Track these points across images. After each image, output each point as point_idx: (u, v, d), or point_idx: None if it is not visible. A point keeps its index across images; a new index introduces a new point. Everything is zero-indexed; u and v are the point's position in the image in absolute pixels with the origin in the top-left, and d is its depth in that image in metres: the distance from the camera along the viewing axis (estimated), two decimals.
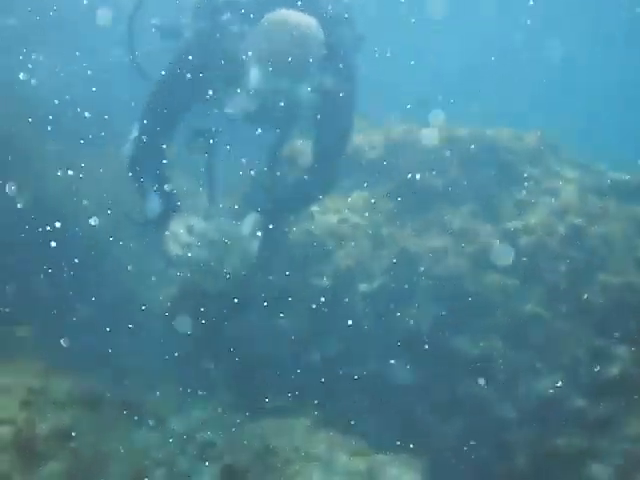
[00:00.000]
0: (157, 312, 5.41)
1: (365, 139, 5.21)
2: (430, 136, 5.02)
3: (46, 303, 5.97)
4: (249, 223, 3.80)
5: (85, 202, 6.77)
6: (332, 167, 4.20)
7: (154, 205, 3.68)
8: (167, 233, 3.56)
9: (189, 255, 3.53)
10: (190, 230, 3.55)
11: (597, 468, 3.74)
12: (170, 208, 3.65)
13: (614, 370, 3.93)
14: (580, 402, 3.95)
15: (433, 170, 4.88)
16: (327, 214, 4.86)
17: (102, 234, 6.69)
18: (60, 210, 6.60)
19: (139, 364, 5.19)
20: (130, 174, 3.82)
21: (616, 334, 4.05)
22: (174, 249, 3.54)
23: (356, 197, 4.98)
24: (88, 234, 6.56)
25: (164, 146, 3.85)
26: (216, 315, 4.92)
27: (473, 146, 4.97)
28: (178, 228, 3.54)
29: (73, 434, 3.44)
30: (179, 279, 5.18)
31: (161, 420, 3.70)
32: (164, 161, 3.86)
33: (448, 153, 4.94)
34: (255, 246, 3.79)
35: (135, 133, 3.88)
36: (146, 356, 5.38)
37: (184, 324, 5.14)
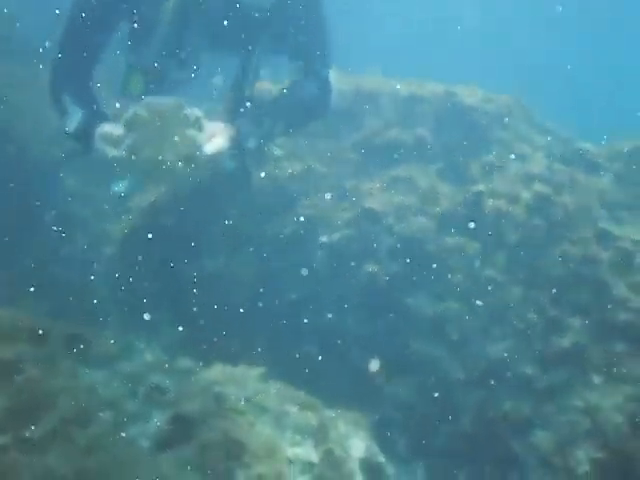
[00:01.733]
0: (108, 246, 5.29)
1: (334, 88, 5.08)
2: (402, 90, 4.92)
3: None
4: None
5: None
6: (324, 76, 3.57)
7: (74, 118, 3.03)
8: (97, 136, 2.89)
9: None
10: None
11: (541, 435, 3.79)
12: (93, 118, 3.00)
13: (566, 340, 3.96)
14: (529, 369, 3.98)
15: (403, 125, 4.80)
16: (292, 161, 4.76)
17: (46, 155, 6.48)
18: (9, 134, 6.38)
19: (86, 300, 5.09)
20: (50, 98, 3.27)
21: (571, 305, 4.07)
22: (109, 149, 2.78)
23: (323, 146, 4.88)
24: (37, 156, 6.37)
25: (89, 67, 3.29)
26: (169, 253, 4.83)
27: (444, 104, 4.89)
28: (108, 128, 2.86)
29: (17, 368, 3.32)
30: (133, 215, 5.06)
31: (108, 359, 3.61)
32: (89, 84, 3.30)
33: (419, 109, 4.86)
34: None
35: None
36: (93, 291, 5.27)
37: (136, 260, 5.04)
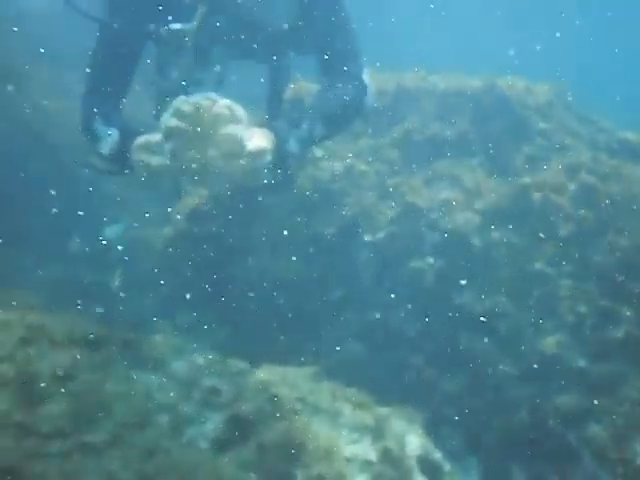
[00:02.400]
0: (154, 252, 5.33)
1: (374, 84, 5.07)
2: (441, 85, 4.90)
3: (41, 235, 5.90)
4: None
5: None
6: (358, 76, 3.32)
7: (108, 138, 2.82)
8: (135, 148, 2.68)
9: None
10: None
11: (596, 428, 3.75)
12: (128, 136, 2.79)
13: (618, 331, 3.91)
14: (582, 362, 3.94)
15: (443, 120, 4.78)
16: (332, 160, 4.76)
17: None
18: (53, 143, 6.47)
19: (136, 304, 5.15)
20: (82, 129, 3.08)
21: (622, 295, 4.01)
22: (149, 158, 2.60)
23: (363, 144, 4.87)
24: (81, 168, 6.44)
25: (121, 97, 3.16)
26: (214, 257, 4.86)
27: (484, 97, 4.86)
28: (145, 137, 2.67)
29: (73, 374, 3.36)
30: (176, 220, 5.09)
31: (162, 363, 3.63)
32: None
33: (459, 103, 4.83)
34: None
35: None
36: (143, 296, 5.33)
37: (180, 265, 5.08)
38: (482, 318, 4.07)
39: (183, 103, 2.42)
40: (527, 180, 4.28)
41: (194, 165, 2.47)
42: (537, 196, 4.22)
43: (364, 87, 3.31)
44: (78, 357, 3.47)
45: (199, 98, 2.44)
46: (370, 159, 4.76)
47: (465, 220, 4.28)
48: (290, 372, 3.68)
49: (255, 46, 3.22)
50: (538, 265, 4.11)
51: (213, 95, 2.46)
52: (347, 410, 3.38)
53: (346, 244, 4.47)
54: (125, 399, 3.29)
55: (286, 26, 3.20)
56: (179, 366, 3.58)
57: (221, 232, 4.82)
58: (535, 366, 3.98)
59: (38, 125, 6.79)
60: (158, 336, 3.93)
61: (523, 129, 4.74)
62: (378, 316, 4.35)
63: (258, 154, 2.53)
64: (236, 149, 2.46)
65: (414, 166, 4.71)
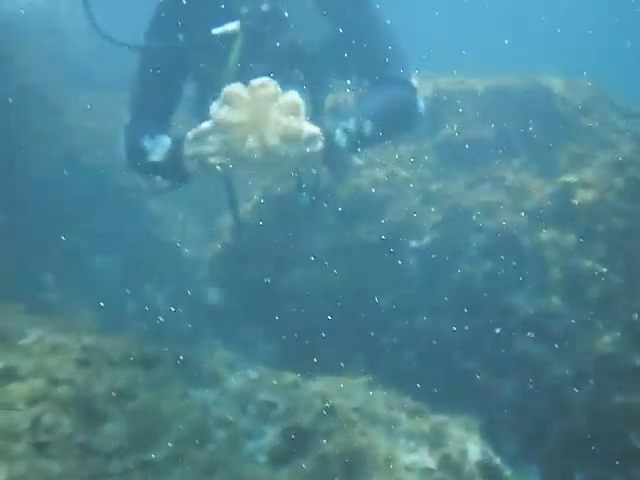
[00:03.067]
0: (200, 267, 5.39)
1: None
2: (479, 86, 4.86)
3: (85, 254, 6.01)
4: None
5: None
6: (407, 81, 3.04)
7: (160, 146, 2.70)
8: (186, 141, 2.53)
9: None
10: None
11: None
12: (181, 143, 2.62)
13: None
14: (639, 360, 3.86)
15: (482, 121, 4.74)
16: (374, 168, 4.76)
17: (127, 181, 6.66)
18: (91, 165, 6.58)
19: (185, 321, 5.20)
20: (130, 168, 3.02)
21: None
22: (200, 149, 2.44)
23: (403, 150, 4.86)
24: (121, 190, 6.55)
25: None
26: (261, 270, 4.89)
27: (524, 96, 4.81)
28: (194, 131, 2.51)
29: (131, 394, 3.41)
30: (222, 234, 5.14)
31: (217, 378, 3.66)
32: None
33: (499, 103, 4.79)
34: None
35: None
36: (191, 312, 5.38)
37: (228, 280, 5.12)
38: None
39: (235, 88, 2.28)
40: (573, 178, 4.22)
41: (248, 153, 2.30)
42: (584, 194, 4.15)
43: (414, 90, 3.03)
44: (135, 376, 3.52)
45: (252, 83, 2.30)
46: (412, 165, 4.74)
47: (511, 221, 4.24)
48: (344, 383, 3.68)
49: (295, 70, 3.13)
50: (589, 263, 4.04)
51: (266, 80, 2.30)
52: (403, 418, 3.37)
53: (392, 251, 4.45)
54: (183, 416, 3.32)
55: (321, 47, 3.07)
56: (233, 381, 3.60)
57: (267, 244, 4.84)
58: (592, 366, 3.91)
59: (78, 147, 6.92)
60: (211, 352, 3.96)
61: (566, 127, 4.68)
62: (429, 322, 4.32)
63: (312, 138, 2.41)
64: (292, 134, 2.31)
65: (456, 169, 4.68)
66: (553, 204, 4.26)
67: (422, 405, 3.62)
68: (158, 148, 2.69)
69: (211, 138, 2.38)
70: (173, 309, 5.45)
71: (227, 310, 4.97)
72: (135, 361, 3.62)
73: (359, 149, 2.81)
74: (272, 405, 3.34)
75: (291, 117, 2.30)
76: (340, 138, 2.60)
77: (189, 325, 4.93)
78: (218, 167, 2.39)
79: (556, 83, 4.83)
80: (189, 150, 2.50)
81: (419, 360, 4.30)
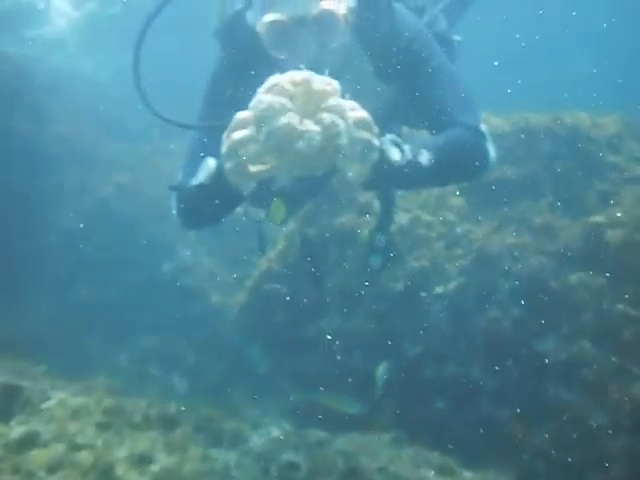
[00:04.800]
0: (227, 318, 5.36)
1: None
2: (504, 125, 4.79)
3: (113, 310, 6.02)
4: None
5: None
6: (474, 126, 2.66)
7: (204, 169, 2.35)
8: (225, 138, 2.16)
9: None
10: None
11: None
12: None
13: None
14: None
15: (508, 161, 4.66)
16: (397, 213, 4.69)
17: (163, 238, 6.71)
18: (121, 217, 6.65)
19: (211, 374, 5.16)
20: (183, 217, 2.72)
21: None
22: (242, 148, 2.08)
23: (426, 194, 4.79)
24: (153, 240, 6.59)
25: None
26: (287, 319, 4.85)
27: (549, 134, 4.72)
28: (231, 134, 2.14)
29: (151, 457, 3.37)
30: (248, 286, 5.10)
31: (239, 437, 3.60)
32: None
33: (524, 143, 4.71)
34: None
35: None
36: (218, 362, 5.35)
37: (255, 329, 5.09)
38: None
39: (279, 78, 2.02)
40: (600, 218, 4.10)
41: (304, 140, 1.97)
42: (612, 234, 4.03)
43: (482, 135, 2.68)
44: (156, 438, 3.48)
45: (295, 73, 2.04)
46: (435, 208, 4.67)
47: (539, 264, 4.13)
48: (370, 439, 3.59)
49: None
50: (620, 306, 3.90)
51: (309, 72, 2.05)
52: (430, 476, 3.26)
53: (417, 297, 4.37)
54: (204, 479, 3.26)
55: (386, 112, 2.80)
56: (256, 440, 3.54)
57: (293, 293, 4.80)
58: (628, 414, 3.76)
59: (107, 199, 7.01)
60: (234, 408, 3.92)
61: (592, 164, 4.57)
62: (457, 370, 4.21)
63: (362, 122, 2.07)
64: (337, 124, 2.00)
65: (481, 212, 4.60)
66: (581, 245, 4.14)
67: (451, 460, 3.52)
68: (201, 171, 2.35)
69: (253, 134, 2.04)
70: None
71: (255, 359, 4.92)
72: (157, 422, 3.59)
73: (412, 182, 2.43)
74: (295, 466, 3.27)
75: (333, 99, 2.02)
76: (393, 152, 2.22)
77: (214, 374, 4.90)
78: (263, 168, 2.08)
79: (582, 120, 4.73)
80: (227, 147, 2.12)
81: (449, 410, 4.18)
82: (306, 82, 2.00)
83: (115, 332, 5.67)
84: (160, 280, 6.37)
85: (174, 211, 2.70)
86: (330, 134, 1.97)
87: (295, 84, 2.00)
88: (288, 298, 4.84)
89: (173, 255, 6.63)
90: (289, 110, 1.98)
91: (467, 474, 3.36)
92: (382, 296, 4.45)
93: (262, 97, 2.00)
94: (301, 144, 1.96)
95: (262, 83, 2.03)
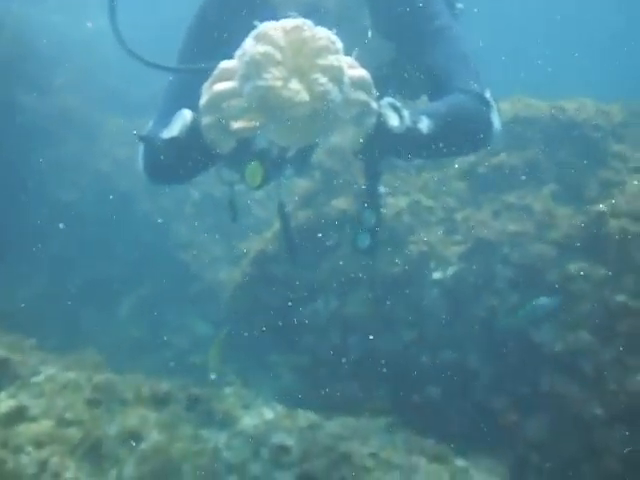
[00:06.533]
0: (222, 297, 5.31)
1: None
2: (506, 111, 4.71)
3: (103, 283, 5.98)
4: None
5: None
6: (480, 93, 2.44)
7: (177, 121, 2.09)
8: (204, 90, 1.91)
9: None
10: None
11: None
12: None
13: None
14: None
15: (510, 147, 4.60)
16: (397, 196, 4.64)
17: (161, 213, 6.66)
18: (121, 189, 6.58)
19: (201, 351, 5.11)
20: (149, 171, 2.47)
21: None
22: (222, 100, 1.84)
23: (427, 177, 4.73)
24: (147, 213, 6.53)
25: None
26: (282, 300, 4.80)
27: (552, 121, 4.65)
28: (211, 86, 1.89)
29: (141, 435, 3.33)
30: (243, 264, 5.05)
31: (230, 418, 3.56)
32: None
33: (526, 129, 4.64)
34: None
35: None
36: (208, 342, 5.30)
37: (249, 310, 5.04)
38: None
39: (270, 26, 1.78)
40: (602, 207, 4.04)
41: (293, 98, 1.74)
42: (614, 224, 3.97)
43: (487, 103, 2.47)
44: (146, 416, 3.44)
45: (288, 22, 1.80)
46: (435, 193, 4.61)
47: (539, 253, 4.07)
48: (362, 423, 3.55)
49: None
50: (620, 298, 3.85)
51: (305, 21, 1.80)
52: (423, 464, 3.22)
53: (414, 283, 4.32)
54: (194, 459, 3.23)
55: (388, 71, 2.67)
56: (247, 422, 3.50)
57: (288, 275, 4.75)
58: (624, 406, 3.72)
59: (107, 173, 6.94)
60: (226, 389, 3.87)
61: (596, 152, 4.50)
62: (453, 357, 4.17)
63: (360, 82, 1.85)
64: (334, 73, 1.78)
65: (482, 198, 4.54)
66: (583, 234, 4.08)
67: (444, 448, 3.48)
68: (176, 122, 2.10)
69: (238, 87, 1.81)
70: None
71: (248, 340, 4.87)
72: (147, 400, 3.55)
73: (409, 151, 2.23)
74: (286, 449, 3.23)
75: (330, 56, 1.78)
76: (392, 117, 2.01)
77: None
78: (246, 125, 1.84)
79: (586, 107, 4.66)
80: (206, 99, 1.89)
81: (444, 397, 4.14)
82: (299, 32, 1.77)
83: (110, 307, 5.63)
84: (157, 256, 6.32)
85: (140, 164, 2.45)
86: (319, 104, 1.74)
87: (287, 33, 1.77)
88: (282, 279, 4.79)
89: (170, 231, 6.58)
90: (276, 66, 1.74)
91: (460, 462, 3.32)
92: (379, 279, 4.40)
93: (247, 48, 1.77)
94: (285, 111, 1.74)
95: (253, 27, 1.82)
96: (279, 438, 3.30)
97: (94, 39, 9.87)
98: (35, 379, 3.57)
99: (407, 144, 2.11)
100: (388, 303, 4.37)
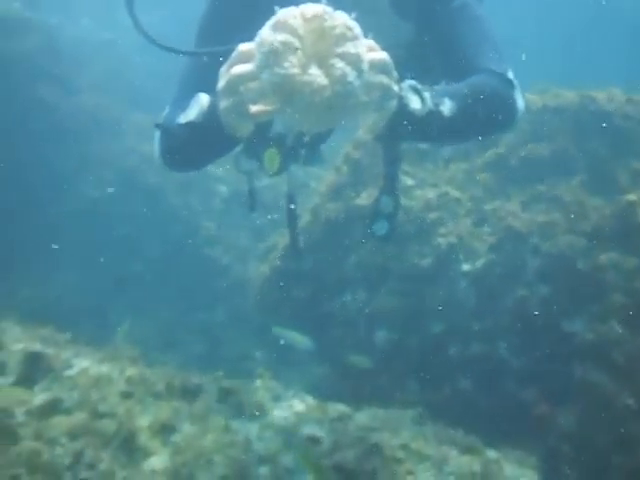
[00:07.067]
0: (251, 291, 5.34)
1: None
2: (535, 101, 4.68)
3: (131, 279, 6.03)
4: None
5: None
6: (502, 73, 2.40)
7: (194, 105, 2.06)
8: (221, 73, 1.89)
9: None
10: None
11: None
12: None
13: None
14: None
15: (539, 137, 4.56)
16: (424, 188, 4.62)
17: (187, 209, 6.70)
18: (147, 186, 6.64)
19: (232, 345, 5.15)
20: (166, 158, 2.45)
21: None
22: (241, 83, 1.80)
23: (455, 169, 4.71)
24: (177, 211, 6.58)
25: None
26: (310, 293, 4.81)
27: (582, 111, 4.61)
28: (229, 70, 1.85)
29: (174, 426, 3.36)
30: (271, 260, 5.07)
31: (261, 410, 3.57)
32: None
33: (556, 120, 4.60)
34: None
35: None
36: (242, 335, 5.34)
37: (278, 303, 5.06)
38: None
39: (289, 14, 1.75)
40: (633, 197, 4.00)
41: (311, 85, 1.72)
42: None
43: (511, 84, 2.42)
44: (178, 408, 3.47)
45: (308, 9, 1.76)
46: (463, 184, 4.59)
47: (569, 243, 4.04)
48: (392, 415, 3.55)
49: None
50: None
51: (325, 7, 1.76)
52: (454, 455, 3.21)
53: (444, 275, 4.31)
54: (225, 450, 3.25)
55: (406, 51, 2.56)
56: (278, 413, 3.51)
57: (316, 268, 4.76)
58: None
59: (137, 170, 7.00)
60: (257, 381, 3.88)
61: (627, 143, 4.45)
62: (483, 349, 4.16)
63: (380, 65, 1.80)
64: (352, 59, 1.75)
65: (510, 189, 4.51)
66: (613, 224, 4.04)
67: (475, 439, 3.47)
68: (193, 107, 2.07)
69: (256, 70, 1.77)
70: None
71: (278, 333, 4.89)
72: (179, 392, 3.57)
73: (431, 134, 2.12)
74: (316, 440, 3.24)
75: (348, 42, 1.76)
76: (413, 100, 1.96)
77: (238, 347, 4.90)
78: (265, 108, 1.81)
79: (616, 97, 4.60)
80: (223, 83, 1.86)
81: (474, 389, 4.14)
82: (319, 20, 1.73)
83: (139, 302, 5.68)
84: (184, 251, 6.37)
85: (157, 151, 2.42)
86: (338, 87, 1.71)
87: (307, 22, 1.74)
88: (311, 273, 4.80)
89: (197, 227, 6.62)
90: (295, 54, 1.71)
91: (491, 453, 3.31)
92: (408, 272, 4.39)
93: (265, 36, 1.73)
94: (304, 97, 1.72)
95: (273, 12, 1.79)
96: (310, 429, 3.31)
97: (120, 40, 9.99)
98: (68, 372, 3.61)
99: (429, 127, 2.04)
100: (417, 295, 4.37)
